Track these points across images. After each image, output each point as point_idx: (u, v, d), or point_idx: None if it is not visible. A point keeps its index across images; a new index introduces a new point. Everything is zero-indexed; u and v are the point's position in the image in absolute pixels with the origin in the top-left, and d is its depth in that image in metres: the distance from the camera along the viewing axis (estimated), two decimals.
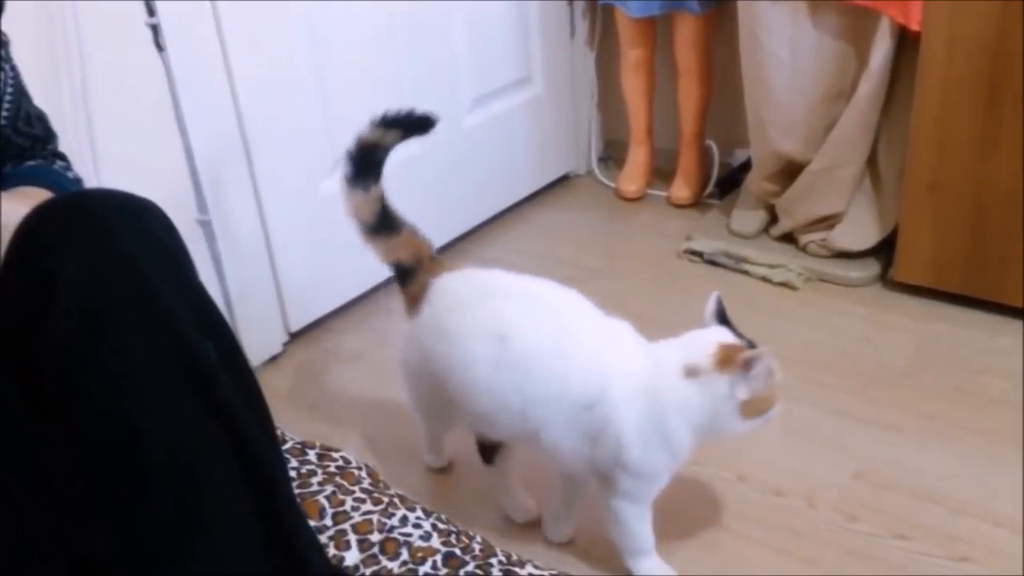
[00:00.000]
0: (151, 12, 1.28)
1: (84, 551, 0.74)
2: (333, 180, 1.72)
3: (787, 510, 1.26)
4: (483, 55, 1.97)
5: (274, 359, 1.68)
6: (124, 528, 0.74)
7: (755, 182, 1.92)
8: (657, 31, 2.11)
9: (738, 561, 1.19)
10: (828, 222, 1.82)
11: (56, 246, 0.73)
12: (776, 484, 1.30)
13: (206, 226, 1.45)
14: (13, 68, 0.95)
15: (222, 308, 0.94)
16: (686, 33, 2.02)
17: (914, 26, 1.54)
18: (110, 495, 0.74)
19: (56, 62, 1.26)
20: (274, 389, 1.56)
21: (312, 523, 1.14)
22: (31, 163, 0.97)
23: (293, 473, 1.25)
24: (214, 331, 0.80)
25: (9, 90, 0.93)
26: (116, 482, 0.74)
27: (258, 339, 1.63)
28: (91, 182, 1.29)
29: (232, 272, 1.54)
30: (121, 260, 0.74)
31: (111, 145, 1.33)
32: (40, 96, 1.02)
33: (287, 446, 1.33)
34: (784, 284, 1.80)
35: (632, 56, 2.13)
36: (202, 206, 1.44)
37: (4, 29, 0.92)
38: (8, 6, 0.94)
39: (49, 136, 1.01)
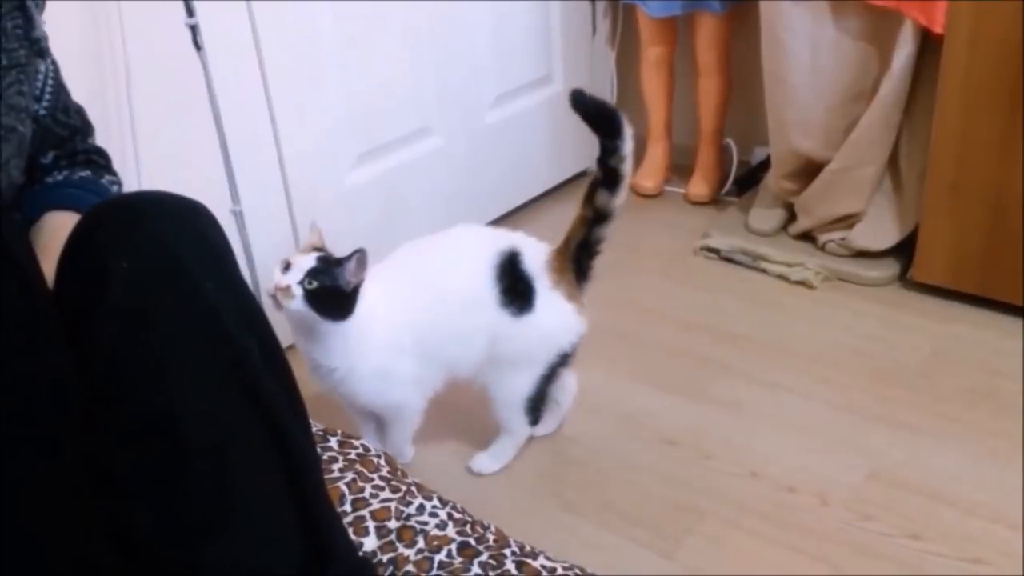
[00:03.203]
0: (190, 13, 1.34)
1: (128, 528, 0.77)
2: (358, 172, 1.76)
3: (799, 507, 1.26)
4: (506, 53, 1.99)
5: (293, 346, 1.70)
6: (165, 507, 0.77)
7: (774, 180, 1.92)
8: (678, 29, 2.12)
9: (748, 557, 1.19)
10: (847, 221, 1.82)
11: (111, 245, 0.77)
12: (788, 481, 1.30)
13: (238, 216, 1.50)
14: (53, 62, 0.98)
15: None
16: (707, 32, 2.03)
17: (937, 28, 1.54)
18: (152, 476, 0.77)
19: (101, 61, 1.31)
20: None
21: None
22: (82, 174, 1.00)
23: None
24: (256, 328, 0.84)
25: (50, 82, 0.97)
26: (157, 464, 0.77)
27: (280, 327, 1.65)
28: (133, 173, 1.35)
29: (260, 260, 1.57)
30: (170, 259, 0.78)
31: (152, 140, 1.38)
32: (86, 93, 1.05)
33: None
34: (801, 283, 1.80)
35: (652, 54, 2.13)
36: (235, 197, 1.49)
37: (49, 29, 0.95)
38: (58, 8, 0.98)
39: (87, 127, 1.04)
